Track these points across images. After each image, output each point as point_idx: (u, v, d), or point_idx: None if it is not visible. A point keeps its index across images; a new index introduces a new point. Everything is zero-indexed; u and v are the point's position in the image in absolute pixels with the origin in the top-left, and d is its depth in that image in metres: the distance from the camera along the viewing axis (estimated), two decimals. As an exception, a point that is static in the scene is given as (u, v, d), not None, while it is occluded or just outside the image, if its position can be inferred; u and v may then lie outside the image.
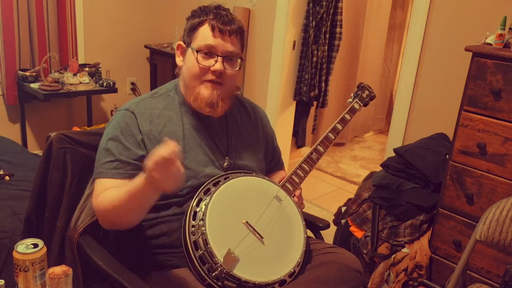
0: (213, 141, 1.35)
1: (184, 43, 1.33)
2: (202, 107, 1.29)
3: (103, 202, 1.19)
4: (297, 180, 1.40)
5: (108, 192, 1.20)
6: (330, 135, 1.50)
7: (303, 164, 1.42)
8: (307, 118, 3.59)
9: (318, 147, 1.46)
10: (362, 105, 1.64)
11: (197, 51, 1.27)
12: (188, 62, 1.30)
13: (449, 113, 2.32)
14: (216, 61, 1.27)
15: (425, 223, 2.08)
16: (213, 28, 1.26)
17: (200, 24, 1.28)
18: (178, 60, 1.36)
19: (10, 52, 3.08)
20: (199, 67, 1.27)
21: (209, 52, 1.27)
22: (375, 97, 1.70)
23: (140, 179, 1.08)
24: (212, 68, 1.27)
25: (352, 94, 1.65)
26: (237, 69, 1.32)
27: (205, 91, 1.28)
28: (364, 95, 1.65)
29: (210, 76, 1.28)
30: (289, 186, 1.38)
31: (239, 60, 1.32)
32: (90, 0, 3.43)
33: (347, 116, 1.56)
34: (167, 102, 1.34)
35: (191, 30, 1.30)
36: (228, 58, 1.29)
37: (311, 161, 1.44)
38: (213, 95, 1.28)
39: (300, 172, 1.41)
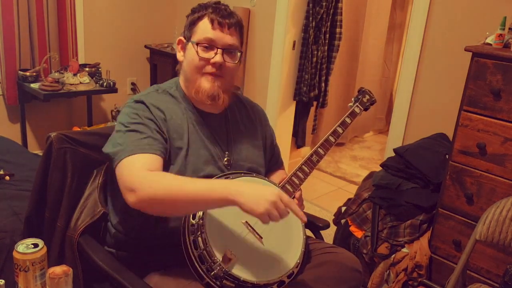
0: (213, 137, 1.35)
1: (185, 38, 1.35)
2: (203, 99, 1.30)
3: (158, 183, 1.11)
4: (297, 182, 1.40)
5: (168, 175, 1.16)
6: (331, 138, 1.50)
7: (303, 166, 1.42)
8: (307, 118, 3.59)
9: (319, 149, 1.47)
10: (362, 109, 1.65)
11: (197, 44, 1.29)
12: (188, 56, 1.32)
13: (449, 113, 2.32)
14: (216, 53, 1.28)
15: (425, 223, 2.08)
16: (212, 21, 1.28)
17: (200, 18, 1.31)
18: (179, 55, 1.38)
19: (10, 52, 3.08)
20: (199, 59, 1.28)
21: (209, 45, 1.29)
22: (375, 101, 1.70)
23: (233, 184, 1.13)
24: (212, 60, 1.28)
25: (353, 99, 1.66)
26: (237, 62, 1.34)
27: (206, 83, 1.29)
28: (364, 100, 1.66)
29: (210, 69, 1.29)
30: (289, 187, 1.38)
31: (238, 53, 1.34)
32: (90, 0, 3.43)
33: (348, 120, 1.57)
34: (169, 97, 1.35)
35: (191, 25, 1.32)
36: (227, 50, 1.31)
37: (311, 163, 1.44)
38: (214, 87, 1.30)
39: (300, 174, 1.41)
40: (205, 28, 1.29)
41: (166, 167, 1.24)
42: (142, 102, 1.29)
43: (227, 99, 1.36)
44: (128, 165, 1.16)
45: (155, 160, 1.19)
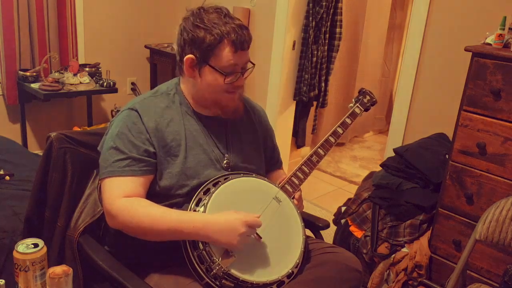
0: (212, 140, 1.35)
1: (196, 58, 1.26)
2: (229, 115, 1.35)
3: (131, 214, 1.18)
4: (297, 182, 1.40)
5: (142, 206, 1.19)
6: (331, 138, 1.50)
7: (303, 166, 1.42)
8: (307, 118, 3.59)
9: (319, 150, 1.47)
10: (363, 110, 1.65)
11: (224, 73, 1.25)
12: (208, 79, 1.27)
13: (449, 113, 2.32)
14: (238, 76, 1.29)
15: (425, 223, 2.08)
16: (235, 48, 1.24)
17: (220, 42, 1.23)
18: (190, 72, 1.29)
19: (10, 52, 3.08)
20: (226, 85, 1.28)
21: (233, 70, 1.27)
22: (376, 102, 1.70)
23: (200, 222, 1.16)
24: (236, 84, 1.29)
25: (353, 99, 1.66)
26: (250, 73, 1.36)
27: (231, 102, 1.32)
28: (365, 100, 1.66)
29: (232, 89, 1.30)
30: (288, 187, 1.38)
31: (250, 64, 1.34)
32: (90, 0, 3.43)
33: (348, 120, 1.57)
34: (168, 101, 1.34)
35: (209, 48, 1.23)
36: (245, 68, 1.32)
37: (311, 164, 1.44)
38: (238, 103, 1.35)
39: (300, 174, 1.41)
40: (228, 54, 1.24)
41: (163, 175, 1.26)
42: (136, 111, 1.28)
43: (242, 104, 1.40)
44: (108, 187, 1.23)
45: (135, 182, 1.23)
